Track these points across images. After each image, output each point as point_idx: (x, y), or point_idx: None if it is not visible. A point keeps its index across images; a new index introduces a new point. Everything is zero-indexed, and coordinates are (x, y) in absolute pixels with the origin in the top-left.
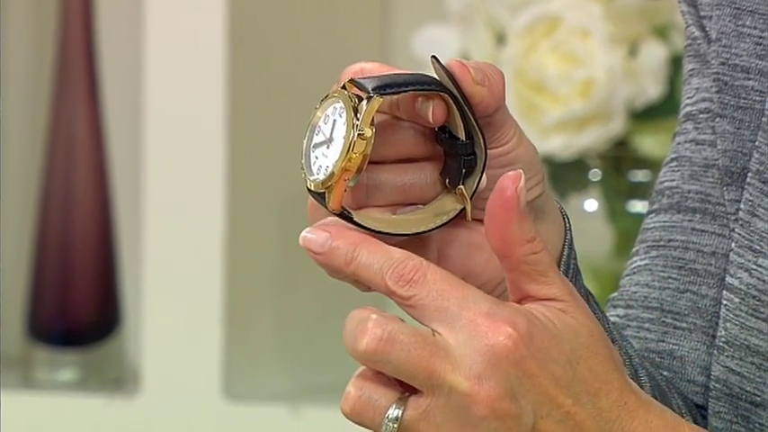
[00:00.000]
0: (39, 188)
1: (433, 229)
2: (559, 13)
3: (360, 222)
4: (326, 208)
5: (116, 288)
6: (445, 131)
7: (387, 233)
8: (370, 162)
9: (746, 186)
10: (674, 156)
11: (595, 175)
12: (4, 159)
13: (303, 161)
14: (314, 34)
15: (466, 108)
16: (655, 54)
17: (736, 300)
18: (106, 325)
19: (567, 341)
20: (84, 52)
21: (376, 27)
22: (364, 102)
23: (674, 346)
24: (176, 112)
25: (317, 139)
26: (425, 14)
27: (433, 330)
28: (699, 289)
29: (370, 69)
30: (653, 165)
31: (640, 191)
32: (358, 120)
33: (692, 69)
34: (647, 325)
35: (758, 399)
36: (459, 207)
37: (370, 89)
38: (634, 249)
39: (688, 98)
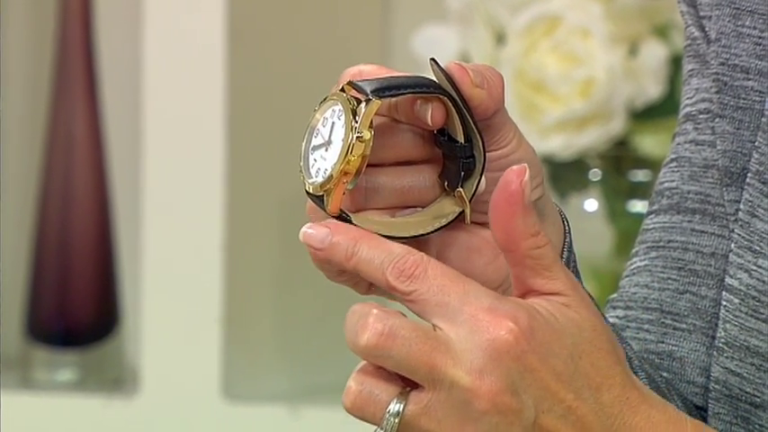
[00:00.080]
0: (38, 188)
1: (432, 231)
2: (559, 13)
3: (358, 225)
4: (325, 211)
5: (115, 288)
6: (444, 134)
7: (386, 236)
8: (368, 165)
9: (746, 187)
10: (673, 156)
11: (595, 174)
12: (3, 159)
13: (302, 164)
14: (313, 33)
15: (465, 111)
16: (655, 54)
17: (736, 300)
18: (105, 325)
19: (570, 336)
20: (83, 51)
21: (376, 26)
22: (363, 104)
23: (674, 348)
24: (176, 111)
25: (315, 142)
26: (425, 14)
27: (434, 325)
28: (698, 290)
29: (369, 72)
30: (653, 164)
31: (640, 191)
32: (356, 122)
33: (692, 70)
34: (646, 326)
35: (758, 400)
36: (458, 210)
37: (368, 92)
38: (634, 250)
39: (687, 98)
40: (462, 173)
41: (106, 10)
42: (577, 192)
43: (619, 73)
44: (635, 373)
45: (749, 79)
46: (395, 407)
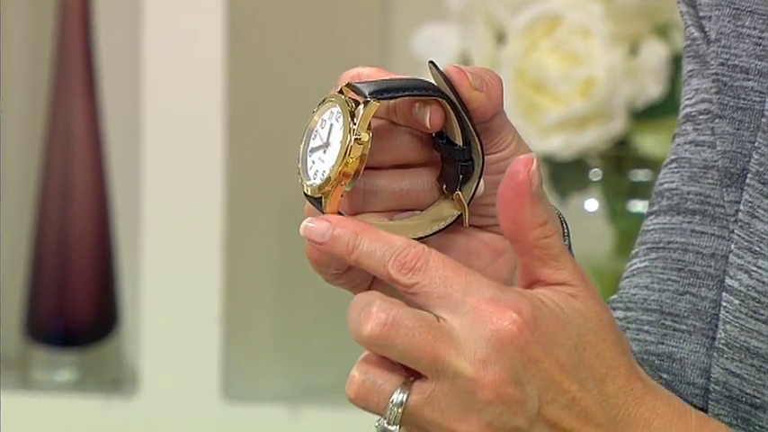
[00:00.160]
0: (37, 186)
1: (431, 234)
2: (560, 12)
3: None
4: (323, 213)
5: (114, 288)
6: (442, 137)
7: None
8: (366, 168)
9: (746, 188)
10: (673, 157)
11: (596, 174)
12: (2, 157)
13: (300, 165)
14: (313, 33)
15: (463, 113)
16: (655, 53)
17: (736, 301)
18: (104, 325)
19: (575, 326)
20: (82, 49)
21: (376, 26)
22: (361, 106)
23: (674, 349)
24: (175, 110)
25: (313, 144)
26: (425, 13)
27: (437, 316)
28: (698, 291)
29: (368, 74)
30: (654, 164)
31: (641, 190)
32: (355, 124)
33: (692, 70)
34: (646, 327)
35: (758, 401)
36: (457, 213)
37: (366, 93)
38: (633, 251)
39: (687, 99)
40: (461, 176)
41: (105, 8)
42: (578, 192)
43: (619, 73)
44: None
45: (749, 80)
46: (398, 397)
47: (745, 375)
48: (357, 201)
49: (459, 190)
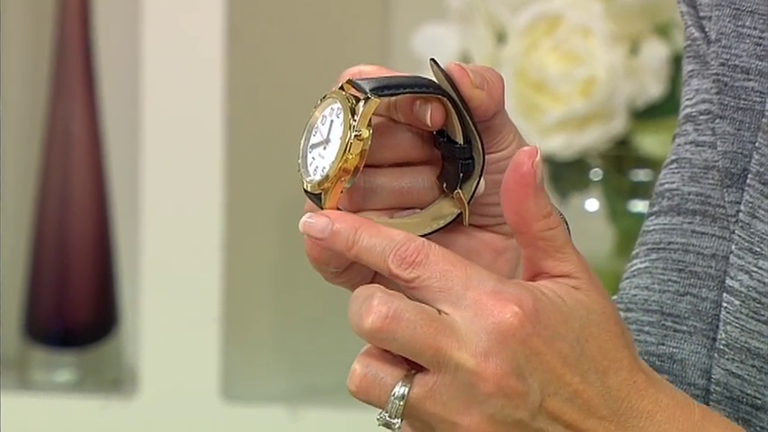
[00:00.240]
0: (35, 187)
1: (431, 233)
2: (560, 12)
3: None
4: (322, 209)
5: (113, 288)
6: (443, 135)
7: None
8: (366, 166)
9: (746, 188)
10: (673, 157)
11: (596, 174)
12: (1, 157)
13: (300, 161)
14: (313, 32)
15: (464, 112)
16: (656, 53)
17: (737, 302)
18: (103, 325)
19: (578, 318)
20: (81, 50)
21: (376, 25)
22: (362, 103)
23: (675, 350)
24: (174, 110)
25: (314, 140)
26: (425, 13)
27: (438, 310)
28: (699, 292)
29: (369, 72)
30: (654, 164)
31: (642, 190)
32: (355, 121)
33: (692, 70)
34: (646, 328)
35: (759, 402)
36: (457, 211)
37: (367, 90)
38: (634, 252)
39: (688, 99)
40: (461, 174)
41: (105, 8)
42: (578, 191)
43: (620, 72)
44: None
45: (750, 80)
46: (400, 390)
47: (745, 376)
48: (357, 199)
49: (460, 188)
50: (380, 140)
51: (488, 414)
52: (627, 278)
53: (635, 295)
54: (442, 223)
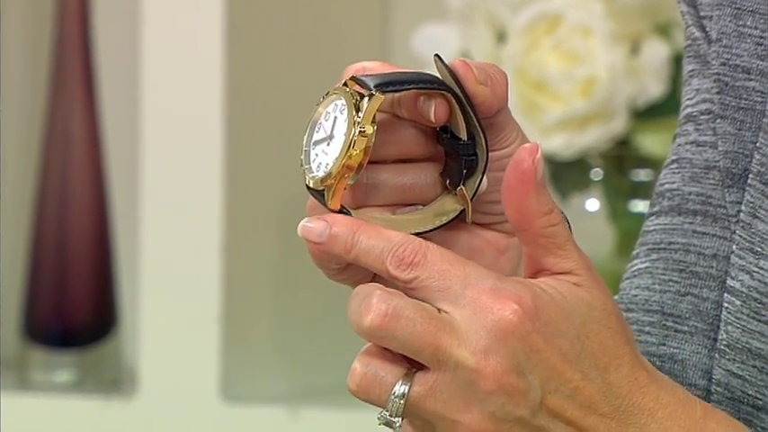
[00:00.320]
0: (35, 187)
1: (433, 229)
2: (560, 11)
3: None
4: (326, 206)
5: (113, 288)
6: (447, 131)
7: None
8: (369, 162)
9: (747, 188)
10: (674, 157)
11: (597, 174)
12: (0, 157)
13: (303, 158)
14: (313, 32)
15: (468, 108)
16: (657, 52)
17: (738, 302)
18: (103, 326)
19: (579, 315)
20: (80, 50)
21: (376, 25)
22: (366, 99)
23: (675, 350)
24: (174, 110)
25: (317, 136)
26: (425, 12)
27: (438, 308)
28: (700, 292)
29: (372, 68)
30: (655, 164)
31: (642, 190)
32: (359, 117)
33: (693, 70)
34: (647, 328)
35: (760, 402)
36: (460, 208)
37: (372, 86)
38: (634, 252)
39: (688, 99)
40: (464, 171)
41: (104, 8)
42: (579, 191)
43: (620, 72)
44: None
45: (750, 80)
46: (400, 388)
47: (746, 377)
48: (359, 195)
49: (463, 185)
50: (384, 137)
51: (489, 412)
52: (627, 278)
53: (635, 295)
54: (444, 220)
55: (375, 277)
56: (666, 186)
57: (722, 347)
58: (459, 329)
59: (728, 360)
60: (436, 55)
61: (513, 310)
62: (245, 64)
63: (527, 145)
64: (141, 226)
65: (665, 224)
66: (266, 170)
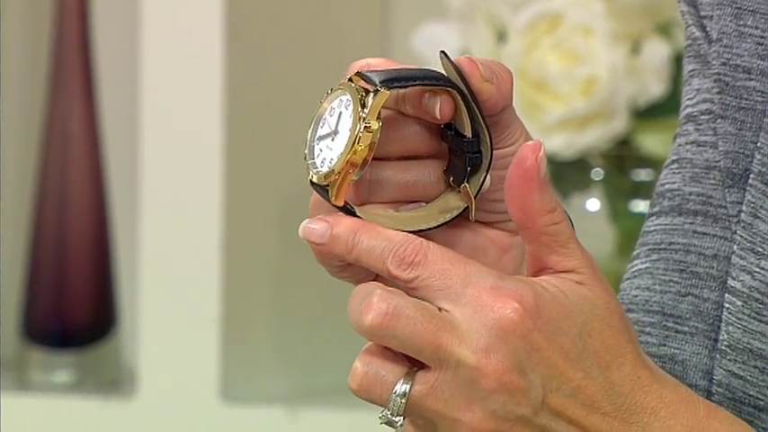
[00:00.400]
0: (34, 187)
1: (437, 226)
2: (561, 11)
3: (362, 218)
4: (329, 202)
5: (112, 289)
6: (451, 128)
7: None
8: (373, 158)
9: (748, 188)
10: (674, 158)
11: (597, 174)
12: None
13: (307, 153)
14: (313, 31)
15: (473, 105)
16: (657, 52)
17: (739, 303)
18: (102, 326)
19: (580, 313)
20: (79, 49)
21: (376, 24)
22: (371, 95)
23: (676, 351)
24: (173, 109)
25: (321, 132)
26: (425, 12)
27: (438, 307)
28: (700, 292)
29: (377, 64)
30: (656, 164)
31: (643, 190)
32: (365, 112)
33: (693, 70)
34: (648, 329)
35: (761, 403)
36: (464, 205)
37: (377, 82)
38: (635, 252)
39: (689, 99)
40: (468, 168)
41: (103, 8)
42: (579, 191)
43: (621, 71)
44: None
45: (751, 79)
46: (401, 387)
47: (747, 377)
48: (363, 191)
49: (467, 182)
50: (388, 133)
51: (490, 410)
52: (628, 279)
53: (636, 296)
54: (448, 217)
55: (377, 275)
56: (667, 186)
57: (723, 348)
58: (460, 328)
59: (729, 361)
60: (442, 52)
61: (513, 309)
62: (244, 63)
63: (530, 143)
64: (140, 226)
65: (666, 224)
66: (266, 169)
